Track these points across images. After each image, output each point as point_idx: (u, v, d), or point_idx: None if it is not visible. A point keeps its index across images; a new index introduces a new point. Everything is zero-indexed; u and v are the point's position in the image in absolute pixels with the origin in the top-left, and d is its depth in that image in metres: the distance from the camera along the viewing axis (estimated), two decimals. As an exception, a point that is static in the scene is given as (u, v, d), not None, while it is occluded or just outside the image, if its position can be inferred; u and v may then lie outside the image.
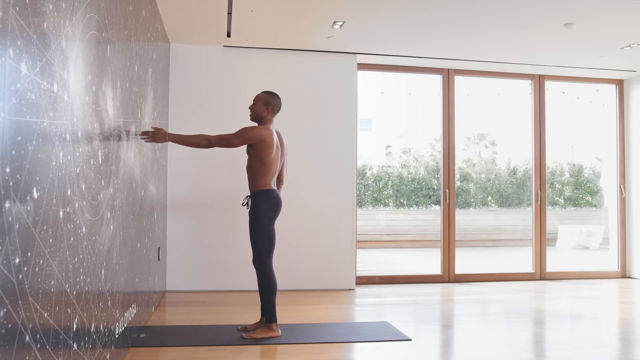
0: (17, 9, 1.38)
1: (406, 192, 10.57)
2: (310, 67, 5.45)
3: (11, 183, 1.36)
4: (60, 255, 1.79)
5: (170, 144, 4.93)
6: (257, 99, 3.70)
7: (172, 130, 4.99)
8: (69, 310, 1.90)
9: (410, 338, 3.63)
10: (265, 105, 3.67)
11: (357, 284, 5.60)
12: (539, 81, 6.31)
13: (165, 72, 4.94)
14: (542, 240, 6.22)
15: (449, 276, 5.94)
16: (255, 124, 3.71)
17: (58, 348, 1.77)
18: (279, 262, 5.12)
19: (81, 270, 2.06)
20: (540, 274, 6.19)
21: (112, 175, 2.63)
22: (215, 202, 5.20)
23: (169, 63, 5.15)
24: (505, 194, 10.80)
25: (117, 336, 2.79)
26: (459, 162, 10.24)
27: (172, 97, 5.17)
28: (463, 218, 10.17)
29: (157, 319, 4.11)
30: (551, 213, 10.32)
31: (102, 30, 2.35)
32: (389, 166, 10.89)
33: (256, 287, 3.89)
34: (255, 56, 5.34)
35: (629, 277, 6.36)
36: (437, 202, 8.73)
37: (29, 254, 1.50)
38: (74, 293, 1.96)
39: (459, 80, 6.12)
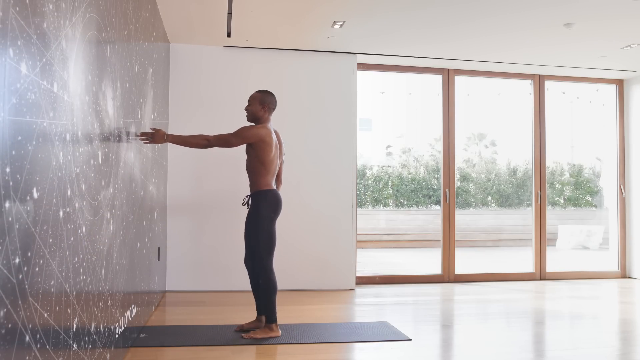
0: (17, 9, 1.38)
1: (406, 192, 10.57)
2: (310, 67, 5.45)
3: (11, 183, 1.36)
4: (60, 255, 1.79)
5: (170, 144, 4.93)
6: (252, 99, 3.69)
7: (172, 130, 4.99)
8: (69, 310, 1.90)
9: (410, 338, 3.63)
10: (261, 105, 3.66)
11: (357, 284, 5.60)
12: (539, 81, 6.31)
13: (165, 72, 4.94)
14: (542, 240, 6.22)
15: (449, 276, 5.94)
16: (253, 124, 3.71)
17: (58, 348, 1.77)
18: (279, 262, 5.12)
19: (81, 270, 2.06)
20: (540, 274, 6.18)
21: (112, 175, 2.63)
22: (215, 202, 5.21)
23: (169, 63, 5.15)
24: (505, 194, 10.80)
25: (117, 336, 2.79)
26: (459, 162, 10.24)
27: (172, 97, 5.17)
28: (463, 218, 10.17)
29: (157, 319, 4.11)
30: (551, 213, 10.32)
31: (102, 30, 2.35)
32: (389, 166, 10.89)
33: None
34: (255, 56, 5.34)
35: (629, 277, 6.36)
36: (437, 202, 8.73)
37: (29, 254, 1.50)
38: (74, 293, 1.96)
39: (459, 80, 6.12)
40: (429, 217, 10.27)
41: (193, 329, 3.78)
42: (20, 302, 1.42)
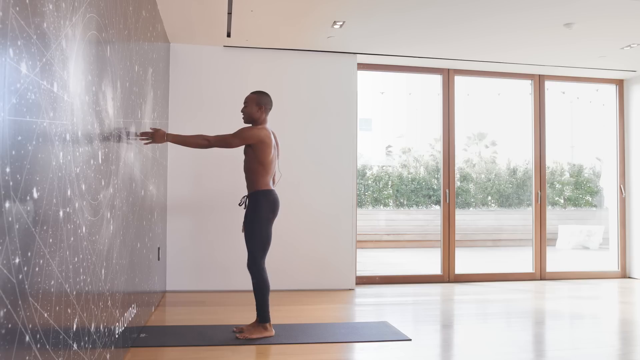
0: (17, 9, 1.38)
1: (406, 192, 10.57)
2: (311, 67, 5.45)
3: (11, 183, 1.36)
4: (60, 255, 1.79)
5: (170, 144, 4.93)
6: (248, 101, 3.69)
7: (172, 130, 4.99)
8: (69, 310, 1.90)
9: (410, 338, 3.63)
10: (258, 106, 3.66)
11: (357, 284, 5.60)
12: (539, 81, 6.31)
13: (165, 72, 4.94)
14: (542, 240, 6.22)
15: (449, 276, 5.94)
16: (253, 126, 3.71)
17: (58, 348, 1.77)
18: (279, 262, 5.13)
19: (81, 270, 2.06)
20: (540, 274, 6.18)
21: (112, 175, 2.64)
22: (215, 202, 5.21)
23: (169, 63, 5.15)
24: (505, 194, 10.81)
25: (117, 336, 2.79)
26: (459, 162, 10.24)
27: (172, 97, 5.17)
28: (463, 218, 10.18)
29: (157, 319, 4.11)
30: (551, 213, 10.33)
31: (102, 30, 2.35)
32: (389, 166, 10.90)
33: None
34: (256, 56, 5.34)
35: (629, 277, 6.36)
36: (437, 202, 8.73)
37: (29, 254, 1.50)
38: (74, 293, 1.96)
39: (459, 80, 6.12)
40: (429, 217, 10.27)
41: (193, 329, 3.78)
42: (20, 302, 1.42)
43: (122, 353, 2.97)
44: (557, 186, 10.71)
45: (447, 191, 6.00)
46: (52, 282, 1.70)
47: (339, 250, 5.43)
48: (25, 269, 1.47)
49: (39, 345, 1.57)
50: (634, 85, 6.40)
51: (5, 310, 1.33)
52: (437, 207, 8.67)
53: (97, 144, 2.32)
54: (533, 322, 4.28)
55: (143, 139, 3.47)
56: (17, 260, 1.40)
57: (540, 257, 6.20)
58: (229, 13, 4.32)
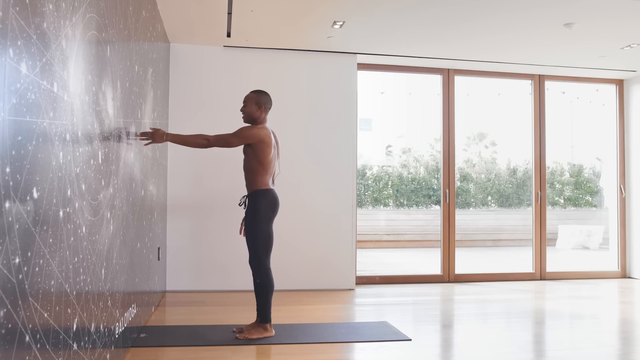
0: (17, 9, 1.38)
1: (406, 192, 10.57)
2: (311, 67, 5.45)
3: (11, 183, 1.36)
4: (60, 255, 1.79)
5: (170, 144, 4.93)
6: (247, 100, 3.68)
7: (172, 130, 4.99)
8: (69, 310, 1.90)
9: (410, 338, 3.63)
10: (257, 105, 3.65)
11: (357, 284, 5.60)
12: (539, 81, 6.31)
13: (165, 72, 4.94)
14: (542, 240, 6.22)
15: (449, 276, 5.94)
16: (253, 125, 3.70)
17: (58, 348, 1.77)
18: (279, 262, 5.13)
19: (81, 270, 2.06)
20: (540, 274, 6.18)
21: (112, 175, 2.63)
22: (215, 202, 5.21)
23: (169, 63, 5.15)
24: (505, 194, 10.81)
25: (117, 336, 2.79)
26: (459, 162, 10.24)
27: (172, 97, 5.17)
28: (463, 218, 10.18)
29: (157, 319, 4.11)
30: (551, 213, 10.33)
31: (102, 30, 2.35)
32: (389, 166, 10.90)
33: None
34: (256, 56, 5.34)
35: (629, 277, 6.36)
36: (437, 202, 8.73)
37: (29, 254, 1.50)
38: (74, 293, 1.96)
39: (459, 80, 6.12)
40: (429, 217, 10.27)
41: (193, 329, 3.78)
42: (20, 302, 1.42)
43: (122, 353, 2.97)
44: (557, 186, 10.71)
45: (447, 191, 6.00)
46: (52, 282, 1.70)
47: (339, 250, 5.43)
48: (25, 269, 1.47)
49: (39, 345, 1.57)
50: (634, 85, 6.40)
51: (5, 310, 1.33)
52: (437, 207, 8.67)
53: (97, 144, 2.32)
54: (533, 322, 4.28)
55: (143, 139, 3.47)
56: (17, 260, 1.40)
57: (540, 257, 6.20)
58: (229, 13, 4.32)
